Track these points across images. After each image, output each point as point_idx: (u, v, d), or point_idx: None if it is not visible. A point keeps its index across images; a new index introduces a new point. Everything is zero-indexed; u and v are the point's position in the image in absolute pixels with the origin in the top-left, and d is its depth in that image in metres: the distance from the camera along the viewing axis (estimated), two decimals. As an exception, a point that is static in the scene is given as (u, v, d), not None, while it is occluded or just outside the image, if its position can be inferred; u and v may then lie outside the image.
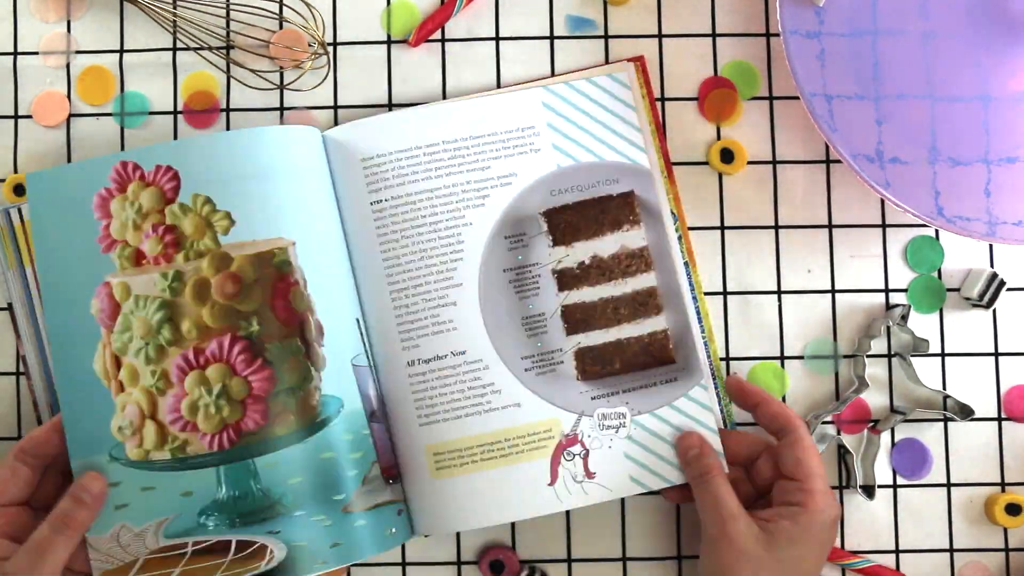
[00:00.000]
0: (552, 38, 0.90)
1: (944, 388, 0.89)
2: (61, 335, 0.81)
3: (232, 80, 0.89)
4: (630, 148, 0.87)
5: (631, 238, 0.86)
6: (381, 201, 0.84)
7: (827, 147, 0.89)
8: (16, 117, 0.88)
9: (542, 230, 0.86)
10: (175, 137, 0.89)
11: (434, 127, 0.85)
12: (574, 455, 0.84)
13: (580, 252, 0.86)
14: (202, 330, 0.79)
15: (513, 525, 0.88)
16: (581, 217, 0.86)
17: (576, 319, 0.85)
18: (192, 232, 0.80)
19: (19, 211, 0.83)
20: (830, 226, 0.89)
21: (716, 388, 0.87)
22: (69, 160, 0.88)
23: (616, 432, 0.84)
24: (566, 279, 0.86)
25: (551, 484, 0.84)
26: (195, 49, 0.88)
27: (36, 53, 0.89)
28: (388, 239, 0.84)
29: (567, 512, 0.88)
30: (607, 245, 0.86)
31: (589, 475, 0.84)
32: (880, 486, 0.88)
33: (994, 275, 0.87)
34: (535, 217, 0.86)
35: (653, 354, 0.86)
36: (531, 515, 0.84)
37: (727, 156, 0.89)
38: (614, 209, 0.86)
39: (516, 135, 0.86)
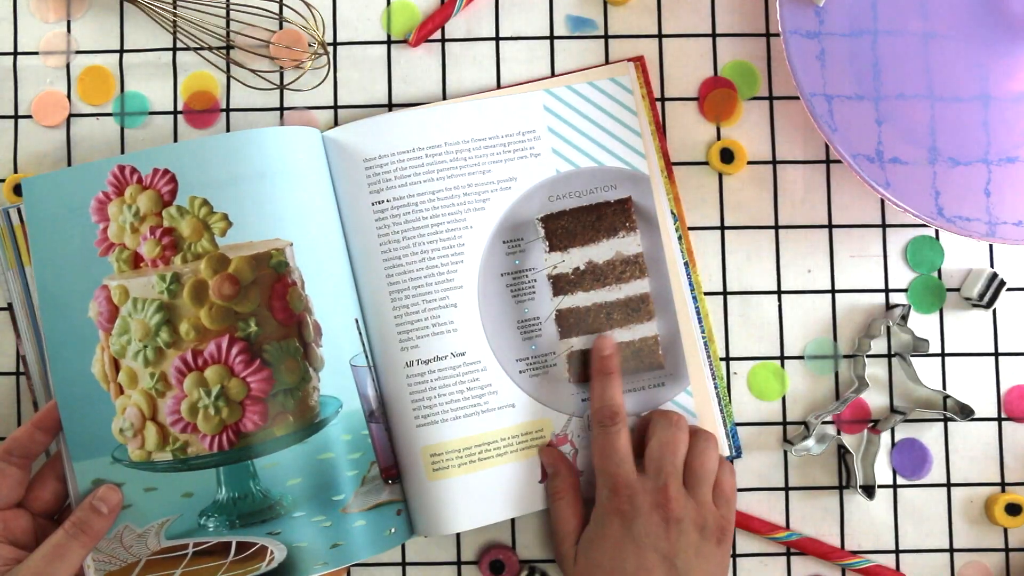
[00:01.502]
0: (552, 38, 0.90)
1: (944, 388, 0.89)
2: (59, 339, 0.81)
3: (232, 80, 0.89)
4: (629, 153, 0.87)
5: (626, 244, 0.86)
6: (383, 202, 0.84)
7: (827, 147, 0.89)
8: (16, 117, 0.88)
9: (539, 236, 0.86)
10: (175, 137, 0.89)
11: (436, 128, 0.86)
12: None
13: (576, 258, 0.86)
14: (200, 332, 0.79)
15: (513, 525, 0.88)
16: (578, 223, 0.86)
17: (569, 323, 0.86)
18: (190, 234, 0.80)
19: (19, 211, 0.83)
20: (830, 226, 0.89)
21: (716, 388, 0.87)
22: (69, 160, 0.88)
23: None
24: (561, 284, 0.86)
25: (542, 481, 0.85)
26: (195, 49, 0.88)
27: (36, 53, 0.89)
28: (389, 240, 0.84)
29: (567, 512, 0.88)
30: (602, 251, 0.86)
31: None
32: (880, 486, 0.88)
33: (994, 275, 0.87)
34: (532, 223, 0.86)
35: (643, 359, 0.86)
36: (524, 512, 0.85)
37: (727, 156, 0.88)
38: (610, 215, 0.86)
39: (517, 139, 0.86)
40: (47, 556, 0.75)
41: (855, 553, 0.87)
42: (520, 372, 0.85)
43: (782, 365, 0.89)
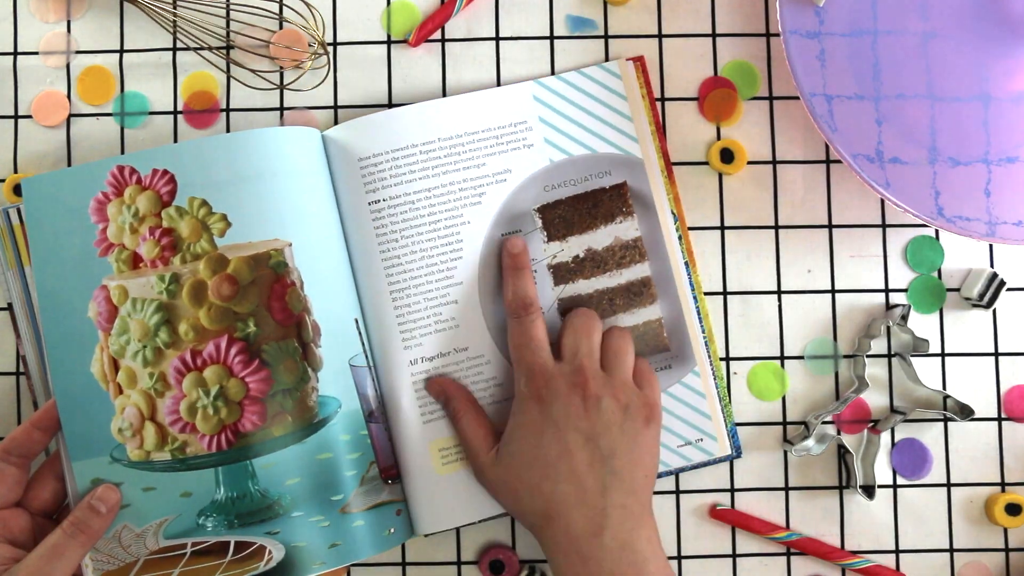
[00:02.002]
0: (552, 38, 0.90)
1: (944, 388, 0.89)
2: (59, 339, 0.81)
3: (232, 80, 0.89)
4: (622, 138, 0.87)
5: (624, 229, 0.86)
6: (379, 201, 0.84)
7: (827, 147, 0.89)
8: (16, 117, 0.88)
9: (537, 226, 0.86)
10: (175, 137, 0.89)
11: (429, 124, 0.86)
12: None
13: (575, 246, 0.86)
14: (199, 332, 0.80)
15: (513, 525, 0.88)
16: (574, 211, 0.86)
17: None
18: (188, 235, 0.80)
19: (18, 211, 0.83)
20: (830, 226, 0.89)
21: (716, 388, 0.87)
22: (69, 160, 0.88)
23: None
24: (561, 273, 0.86)
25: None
26: (195, 49, 0.88)
27: (36, 53, 0.89)
28: (387, 239, 0.84)
29: (567, 512, 0.88)
30: (601, 237, 0.86)
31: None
32: (880, 486, 0.88)
33: (994, 275, 0.87)
34: (529, 213, 0.86)
35: (648, 342, 0.86)
36: None
37: (727, 156, 0.88)
38: (607, 201, 0.86)
39: (509, 130, 0.86)
40: (45, 556, 0.75)
41: (855, 553, 0.87)
42: None
43: (782, 365, 0.89)
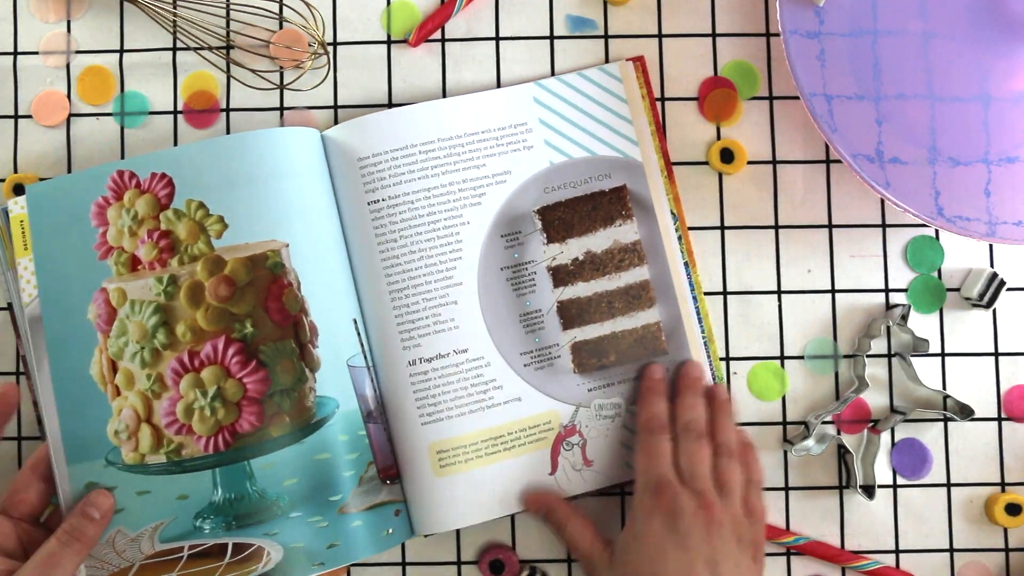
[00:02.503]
0: (552, 38, 0.90)
1: (944, 388, 0.89)
2: (59, 342, 0.81)
3: (232, 80, 0.89)
4: (622, 141, 0.87)
5: (624, 232, 0.86)
6: (378, 201, 0.84)
7: (827, 147, 0.89)
8: (16, 117, 0.89)
9: (536, 228, 0.86)
10: (175, 137, 0.89)
11: (429, 124, 0.86)
12: (573, 445, 0.86)
13: (574, 248, 0.86)
14: (197, 333, 0.80)
15: (513, 525, 0.88)
16: (574, 213, 0.86)
17: (571, 314, 0.86)
18: (186, 237, 0.80)
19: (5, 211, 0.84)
20: (830, 226, 0.89)
21: (714, 389, 0.87)
22: (69, 160, 0.88)
23: (612, 422, 0.86)
24: (560, 275, 0.86)
25: (552, 473, 0.85)
26: (195, 49, 0.89)
27: (36, 53, 0.89)
28: (386, 239, 0.84)
29: (566, 512, 0.88)
30: (600, 240, 0.87)
31: (587, 463, 0.86)
32: (880, 486, 0.88)
33: (994, 275, 0.87)
34: (529, 215, 0.86)
35: (646, 346, 0.86)
36: None
37: (727, 156, 0.88)
38: (606, 204, 0.86)
39: (509, 132, 0.86)
40: (40, 565, 0.75)
41: (858, 554, 0.87)
42: (524, 366, 0.85)
43: (782, 365, 0.89)
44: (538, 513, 0.84)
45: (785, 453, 0.88)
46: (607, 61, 0.89)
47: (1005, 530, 0.89)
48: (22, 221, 0.83)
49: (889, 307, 0.89)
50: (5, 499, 0.79)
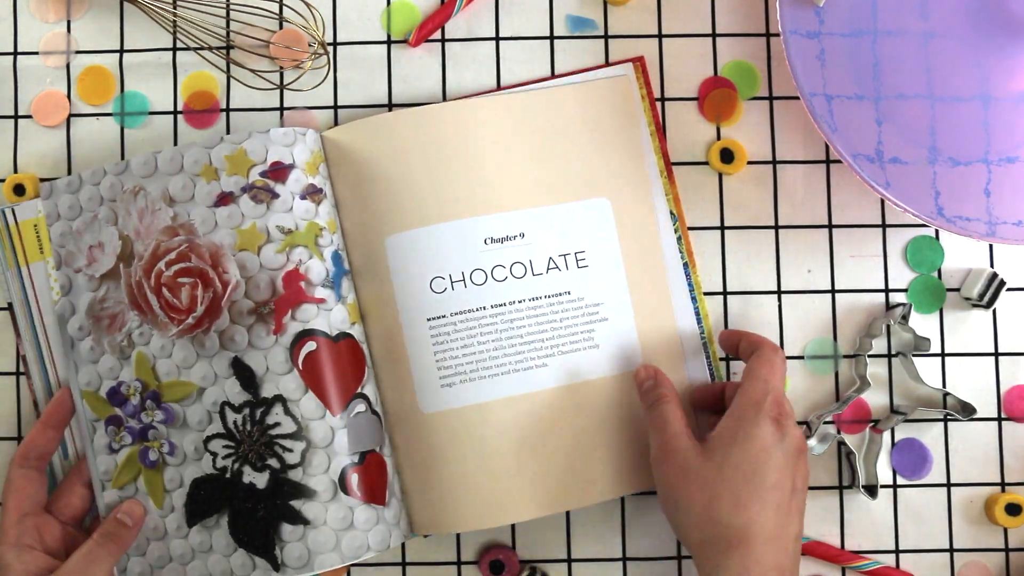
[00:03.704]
0: (552, 38, 0.90)
1: (944, 388, 0.89)
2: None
3: (232, 80, 0.89)
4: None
5: None
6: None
7: (827, 147, 0.89)
8: (16, 117, 0.88)
9: None
10: (175, 137, 0.89)
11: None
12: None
13: None
14: None
15: (513, 525, 0.88)
16: None
17: None
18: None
19: (13, 212, 0.84)
20: (830, 226, 0.89)
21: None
22: (69, 160, 0.88)
23: None
24: None
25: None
26: (195, 49, 0.88)
27: (36, 53, 0.89)
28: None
29: (567, 512, 0.88)
30: None
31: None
32: (880, 486, 0.88)
33: (994, 275, 0.87)
34: None
35: None
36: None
37: (727, 156, 0.88)
38: None
39: None
40: (80, 563, 0.78)
41: (858, 554, 0.87)
42: None
43: (782, 365, 0.89)
44: (644, 383, 0.84)
45: (785, 453, 0.88)
46: (607, 61, 0.89)
47: (1005, 530, 0.89)
48: (36, 225, 0.83)
49: (889, 307, 0.89)
50: (52, 502, 0.83)
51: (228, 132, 0.89)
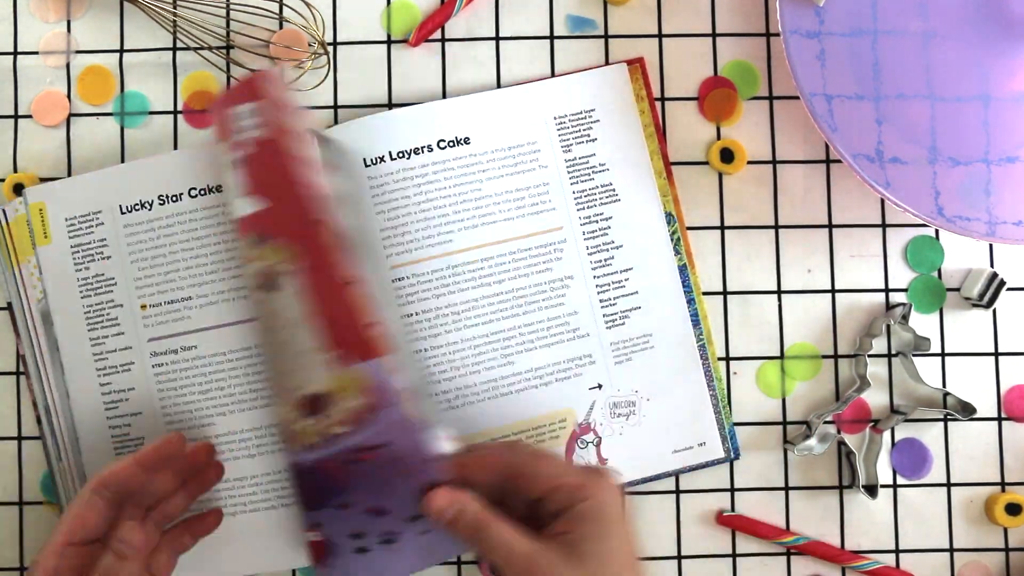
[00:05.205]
0: (552, 38, 0.90)
1: (944, 388, 0.89)
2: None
3: (232, 80, 0.89)
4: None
5: None
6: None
7: (827, 147, 0.89)
8: (16, 117, 0.88)
9: None
10: (175, 137, 0.88)
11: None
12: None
13: None
14: None
15: (512, 525, 0.88)
16: None
17: None
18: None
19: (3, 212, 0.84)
20: (830, 226, 0.89)
21: (714, 390, 0.87)
22: (69, 160, 0.88)
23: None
24: None
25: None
26: (195, 49, 0.88)
27: (36, 53, 0.89)
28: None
29: (567, 512, 0.88)
30: None
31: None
32: (880, 486, 0.88)
33: (994, 275, 0.87)
34: None
35: None
36: None
37: (727, 156, 0.88)
38: None
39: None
40: None
41: (857, 554, 0.87)
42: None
43: (782, 366, 0.89)
44: (442, 517, 0.71)
45: (785, 452, 0.88)
46: (607, 61, 0.89)
47: (1005, 530, 0.89)
48: (41, 210, 0.83)
49: (889, 307, 0.89)
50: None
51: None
